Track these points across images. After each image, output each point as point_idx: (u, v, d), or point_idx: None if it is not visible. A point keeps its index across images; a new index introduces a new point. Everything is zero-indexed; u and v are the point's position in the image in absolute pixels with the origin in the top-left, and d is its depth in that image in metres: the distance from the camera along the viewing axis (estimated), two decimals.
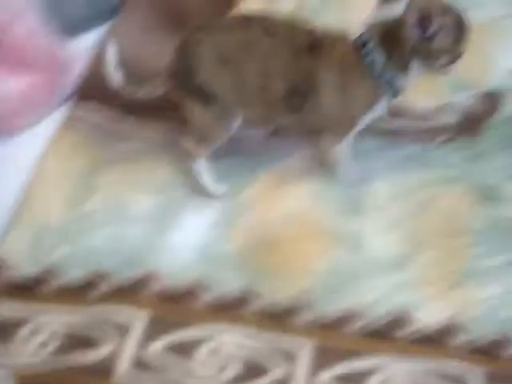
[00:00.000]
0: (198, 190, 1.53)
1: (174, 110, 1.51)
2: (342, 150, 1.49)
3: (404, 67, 1.38)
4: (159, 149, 1.59)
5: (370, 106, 1.41)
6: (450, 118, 1.61)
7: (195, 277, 1.42)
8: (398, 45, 1.35)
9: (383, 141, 1.58)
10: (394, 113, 1.61)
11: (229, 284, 1.41)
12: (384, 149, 1.56)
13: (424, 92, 1.62)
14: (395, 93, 1.41)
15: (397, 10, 1.33)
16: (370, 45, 1.36)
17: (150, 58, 1.65)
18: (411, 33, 1.32)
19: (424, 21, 1.31)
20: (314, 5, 1.75)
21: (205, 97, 1.44)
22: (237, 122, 1.47)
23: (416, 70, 1.39)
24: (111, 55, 1.51)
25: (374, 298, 1.38)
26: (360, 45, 1.37)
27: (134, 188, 1.55)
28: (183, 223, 1.49)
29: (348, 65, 1.38)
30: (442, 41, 1.34)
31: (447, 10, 1.34)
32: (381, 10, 1.37)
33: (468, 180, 1.50)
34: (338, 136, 1.47)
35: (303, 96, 1.40)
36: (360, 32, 1.39)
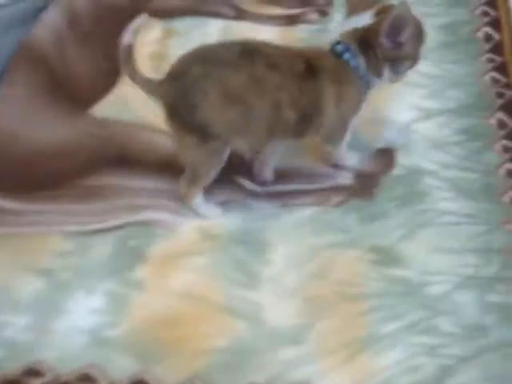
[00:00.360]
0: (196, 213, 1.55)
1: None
2: (342, 149, 1.58)
3: (378, 71, 1.49)
4: (46, 229, 1.55)
5: (358, 106, 1.52)
6: (346, 179, 1.60)
7: (86, 363, 1.36)
8: (374, 51, 1.46)
9: (279, 204, 1.56)
10: (289, 175, 1.60)
11: (121, 369, 1.35)
12: (279, 213, 1.54)
13: (318, 153, 1.62)
14: (365, 93, 1.52)
15: (363, 19, 1.47)
16: (351, 51, 1.47)
17: (31, 139, 1.61)
18: (385, 41, 1.44)
19: (396, 29, 1.42)
20: None
21: (204, 133, 1.42)
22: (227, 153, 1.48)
23: (386, 73, 1.49)
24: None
25: (274, 373, 1.34)
26: (340, 52, 1.47)
27: (18, 271, 1.48)
28: (71, 307, 1.43)
29: (339, 74, 1.47)
30: (408, 47, 1.46)
31: (412, 19, 1.45)
32: (349, 20, 1.49)
33: (364, 242, 1.49)
34: (336, 143, 1.55)
35: (310, 119, 1.47)
36: (333, 41, 1.48)
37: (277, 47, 1.46)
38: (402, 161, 1.62)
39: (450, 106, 1.70)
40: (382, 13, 1.45)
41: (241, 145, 1.48)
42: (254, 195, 1.58)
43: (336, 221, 1.53)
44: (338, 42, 1.48)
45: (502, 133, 1.66)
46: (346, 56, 1.47)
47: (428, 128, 1.67)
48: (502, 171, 1.59)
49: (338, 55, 1.47)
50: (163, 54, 1.83)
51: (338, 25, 1.52)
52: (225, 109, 1.41)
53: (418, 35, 1.47)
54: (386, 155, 1.63)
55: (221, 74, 1.40)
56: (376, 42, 1.45)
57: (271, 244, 1.49)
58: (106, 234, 1.52)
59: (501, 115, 1.69)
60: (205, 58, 1.42)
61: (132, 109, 1.72)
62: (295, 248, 1.49)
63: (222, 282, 1.45)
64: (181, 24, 1.90)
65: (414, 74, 1.74)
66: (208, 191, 1.54)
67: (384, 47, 1.45)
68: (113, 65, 1.59)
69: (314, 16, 1.90)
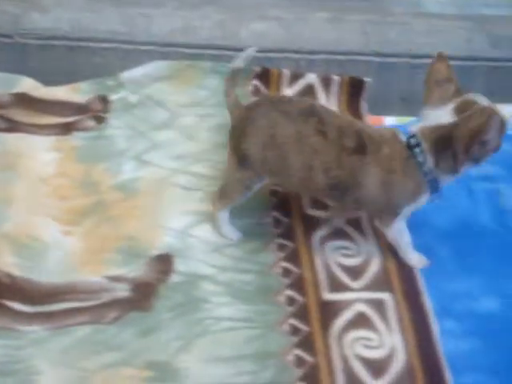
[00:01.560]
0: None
1: None
2: (397, 229, 1.59)
3: (454, 170, 1.51)
4: None
5: (415, 197, 1.53)
6: (123, 291, 1.56)
7: None
8: (451, 154, 1.47)
9: (49, 326, 1.48)
10: (62, 292, 1.55)
11: None
12: (49, 337, 1.47)
13: (95, 266, 1.58)
14: (436, 189, 1.53)
15: (442, 115, 1.48)
16: (421, 148, 1.49)
17: None
18: (472, 150, 1.46)
19: (480, 134, 1.43)
20: None
21: (244, 160, 1.55)
22: (261, 185, 1.62)
23: (464, 168, 1.51)
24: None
25: None
26: (411, 145, 1.50)
27: None
28: None
29: (396, 161, 1.50)
30: (492, 142, 1.46)
31: (494, 111, 1.45)
32: (428, 116, 1.50)
33: (140, 359, 1.44)
34: (386, 223, 1.58)
35: (344, 190, 1.53)
36: (411, 133, 1.51)
37: (338, 117, 1.56)
38: (180, 267, 1.60)
39: None
40: (463, 109, 1.45)
41: (279, 185, 1.70)
42: (23, 318, 1.51)
43: (111, 338, 1.48)
44: (413, 136, 1.51)
45: (278, 231, 1.68)
46: (416, 150, 1.49)
47: (206, 231, 1.67)
48: (277, 270, 1.61)
49: (410, 147, 1.50)
50: None
51: (421, 117, 1.52)
52: (265, 148, 1.54)
53: (502, 127, 1.47)
54: (163, 262, 1.61)
55: (277, 119, 1.53)
56: (458, 144, 1.45)
57: (41, 372, 1.42)
58: None
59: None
60: (276, 102, 1.56)
61: None
62: (66, 374, 1.42)
63: None
64: None
65: (188, 176, 1.75)
66: None
67: (474, 151, 1.46)
68: None
69: (91, 123, 1.88)
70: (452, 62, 1.53)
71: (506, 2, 2.23)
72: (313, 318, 1.53)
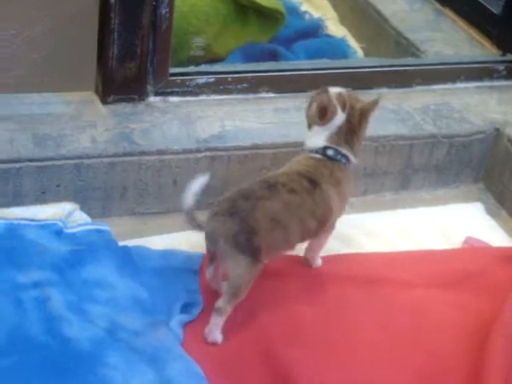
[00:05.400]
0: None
1: None
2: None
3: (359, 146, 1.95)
4: None
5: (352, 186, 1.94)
6: None
7: None
8: (356, 136, 1.90)
9: None
10: None
11: None
12: None
13: None
14: None
15: (338, 120, 1.87)
16: (338, 151, 1.87)
17: None
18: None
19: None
20: None
21: (258, 254, 1.72)
22: None
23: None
24: (198, 184, 1.74)
25: None
26: (332, 156, 1.87)
27: None
28: None
29: (335, 175, 1.86)
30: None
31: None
32: (325, 128, 1.87)
33: None
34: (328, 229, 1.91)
35: (326, 221, 1.85)
36: (321, 148, 1.87)
37: (283, 174, 1.85)
38: None
39: None
40: (346, 106, 1.85)
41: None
42: None
43: None
44: (327, 147, 1.87)
45: None
46: (338, 157, 1.87)
47: None
48: None
49: (332, 159, 1.86)
50: None
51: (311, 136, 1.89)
52: (271, 231, 1.75)
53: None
54: None
55: (264, 205, 1.75)
56: (358, 128, 1.87)
57: None
58: None
59: None
60: (244, 195, 1.76)
61: None
62: None
63: None
64: None
65: None
66: None
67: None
68: None
69: None
70: None
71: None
72: None
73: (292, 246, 1.83)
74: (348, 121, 1.87)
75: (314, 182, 1.82)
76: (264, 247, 1.73)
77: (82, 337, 1.64)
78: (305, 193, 1.81)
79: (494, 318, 1.85)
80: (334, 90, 1.87)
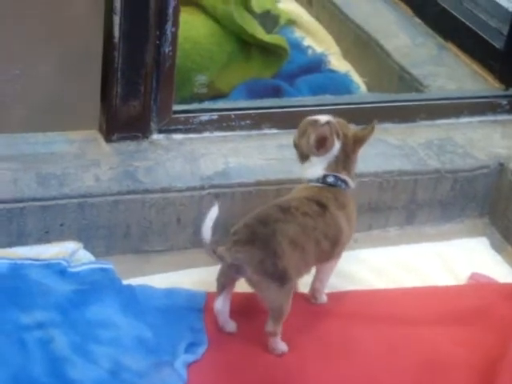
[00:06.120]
0: None
1: None
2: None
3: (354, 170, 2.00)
4: None
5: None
6: None
7: None
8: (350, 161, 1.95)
9: None
10: None
11: None
12: None
13: None
14: None
15: (334, 149, 1.92)
16: (337, 177, 1.92)
17: None
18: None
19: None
20: None
21: (284, 277, 1.74)
22: None
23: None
24: (211, 216, 1.78)
25: None
26: (333, 183, 1.92)
27: None
28: None
29: (340, 199, 1.90)
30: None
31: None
32: (324, 157, 1.92)
33: None
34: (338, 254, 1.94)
35: (338, 242, 1.89)
36: (322, 177, 1.92)
37: (293, 199, 1.88)
38: None
39: None
40: (339, 135, 1.89)
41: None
42: None
43: None
44: (327, 175, 1.91)
45: None
46: (338, 183, 1.91)
47: None
48: None
49: (332, 185, 1.91)
50: None
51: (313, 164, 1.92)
52: (293, 254, 1.77)
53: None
54: None
55: (282, 228, 1.78)
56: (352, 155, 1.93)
57: None
58: None
59: None
60: (262, 221, 1.79)
61: None
62: None
63: None
64: None
65: None
66: None
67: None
68: None
69: None
70: None
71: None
72: None
73: (309, 268, 1.88)
74: (343, 149, 1.91)
75: (322, 206, 1.86)
76: (289, 269, 1.75)
77: (85, 378, 1.63)
78: (316, 215, 1.85)
79: (501, 356, 1.84)
80: (323, 119, 1.91)
